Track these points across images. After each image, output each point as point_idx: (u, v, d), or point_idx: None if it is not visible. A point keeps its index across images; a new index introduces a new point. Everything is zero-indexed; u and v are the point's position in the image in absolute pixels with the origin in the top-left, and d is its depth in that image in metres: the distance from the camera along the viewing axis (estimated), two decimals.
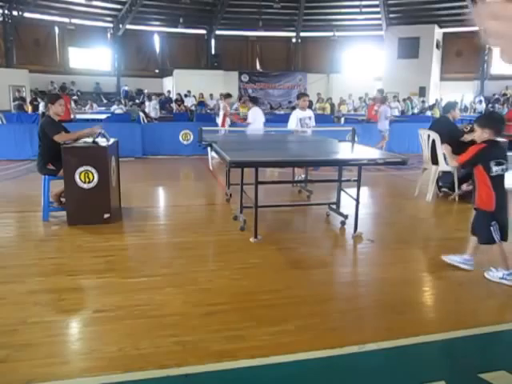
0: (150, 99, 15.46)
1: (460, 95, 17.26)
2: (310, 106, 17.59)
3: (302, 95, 6.87)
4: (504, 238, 3.13)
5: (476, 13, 0.70)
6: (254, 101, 8.55)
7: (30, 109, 14.09)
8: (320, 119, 13.79)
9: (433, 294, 3.14)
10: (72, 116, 10.79)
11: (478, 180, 3.10)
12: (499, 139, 3.14)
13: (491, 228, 3.04)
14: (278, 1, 20.17)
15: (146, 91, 19.14)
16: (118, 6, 21.02)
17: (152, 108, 14.43)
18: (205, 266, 3.49)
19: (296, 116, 6.52)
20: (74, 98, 17.69)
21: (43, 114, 4.73)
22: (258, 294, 2.92)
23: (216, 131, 7.23)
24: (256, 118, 7.86)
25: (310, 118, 6.54)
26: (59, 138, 4.40)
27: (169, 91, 18.95)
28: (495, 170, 2.99)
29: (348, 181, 4.66)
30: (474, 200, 3.18)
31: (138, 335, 2.39)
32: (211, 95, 19.08)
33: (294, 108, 18.17)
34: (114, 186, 4.69)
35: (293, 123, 6.49)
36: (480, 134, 3.07)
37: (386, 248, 3.94)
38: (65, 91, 15.77)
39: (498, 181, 3.02)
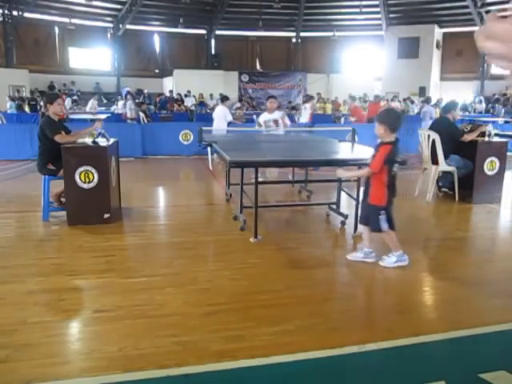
0: (126, 98, 14.96)
1: (460, 96, 17.27)
2: None
3: (268, 98, 7.22)
4: (393, 227, 3.30)
5: (478, 35, 0.70)
6: (223, 99, 8.91)
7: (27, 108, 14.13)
8: (320, 119, 13.83)
9: (433, 293, 3.14)
10: (65, 116, 10.75)
11: (374, 179, 3.22)
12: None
13: (380, 217, 3.21)
14: (278, 1, 20.16)
15: (145, 91, 19.13)
16: (118, 6, 21.01)
17: (128, 108, 13.87)
18: (205, 266, 3.49)
19: (262, 118, 6.81)
20: (74, 97, 17.68)
21: (43, 114, 4.73)
22: (258, 294, 2.92)
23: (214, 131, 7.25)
24: (215, 117, 8.13)
25: (275, 120, 6.69)
26: (60, 138, 4.40)
27: (171, 91, 18.94)
28: (394, 169, 3.13)
29: (348, 181, 4.66)
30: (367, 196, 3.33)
31: (138, 335, 2.39)
32: (211, 95, 19.07)
33: (293, 108, 18.27)
34: (114, 186, 4.69)
35: (261, 122, 6.81)
36: (382, 131, 3.18)
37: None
38: (53, 90, 15.72)
39: (393, 179, 3.16)
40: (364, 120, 11.58)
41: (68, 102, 15.13)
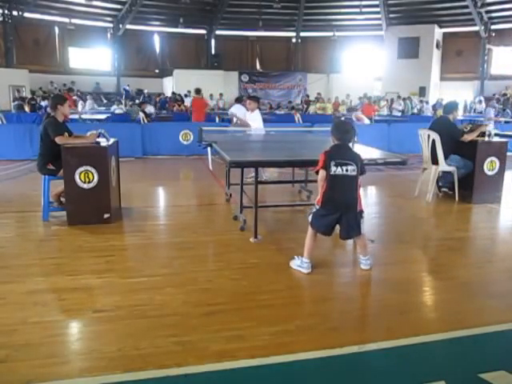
0: (84, 99, 14.48)
1: (460, 97, 17.30)
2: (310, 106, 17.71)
3: (248, 98, 7.52)
4: (318, 230, 3.28)
5: None
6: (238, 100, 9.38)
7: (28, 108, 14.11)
8: (320, 119, 13.83)
9: (433, 293, 3.14)
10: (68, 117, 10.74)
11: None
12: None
13: (313, 210, 3.30)
14: (278, 1, 20.16)
15: (146, 91, 19.12)
16: (118, 6, 21.03)
17: (88, 109, 13.46)
18: (205, 266, 3.49)
19: (242, 115, 7.11)
20: (74, 97, 17.67)
21: (48, 114, 4.71)
22: (258, 294, 2.91)
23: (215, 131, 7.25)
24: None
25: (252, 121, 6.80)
26: (60, 140, 4.39)
27: (173, 93, 18.95)
28: (334, 170, 3.15)
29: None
30: None
31: (137, 335, 2.39)
32: (211, 95, 19.07)
33: (293, 108, 18.26)
34: (114, 186, 4.69)
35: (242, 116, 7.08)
36: (331, 139, 3.36)
37: (386, 248, 3.94)
38: (72, 91, 15.60)
39: (336, 181, 3.17)
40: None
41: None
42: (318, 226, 3.27)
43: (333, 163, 3.15)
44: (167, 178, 7.38)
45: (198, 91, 12.16)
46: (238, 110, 8.03)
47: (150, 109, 13.66)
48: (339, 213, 3.19)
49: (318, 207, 3.27)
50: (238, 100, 9.41)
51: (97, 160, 4.34)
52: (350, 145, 3.32)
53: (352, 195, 3.23)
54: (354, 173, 3.17)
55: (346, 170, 3.15)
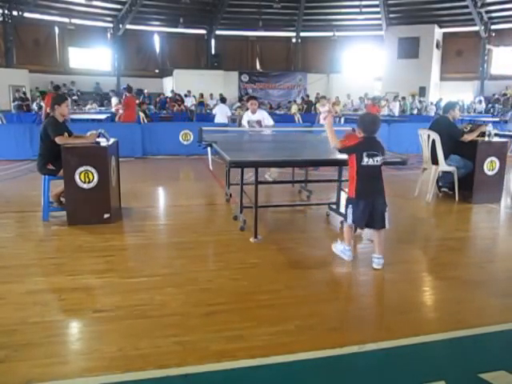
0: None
1: (459, 97, 17.31)
2: (310, 106, 17.87)
3: (248, 99, 7.25)
4: (361, 226, 3.54)
5: None
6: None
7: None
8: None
9: (433, 293, 3.14)
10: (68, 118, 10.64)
11: (350, 169, 3.45)
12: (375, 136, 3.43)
13: (347, 210, 3.40)
14: (278, 1, 20.17)
15: (146, 91, 19.12)
16: (118, 6, 21.03)
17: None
18: (205, 266, 3.49)
19: (245, 118, 6.89)
20: (74, 97, 17.67)
21: (47, 114, 4.72)
22: (258, 294, 2.91)
23: (215, 131, 7.24)
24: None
25: (258, 121, 6.72)
26: (60, 140, 4.40)
27: (172, 91, 18.95)
28: (366, 160, 3.28)
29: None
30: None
31: (138, 335, 2.39)
32: (211, 95, 19.08)
33: None
34: (114, 185, 4.69)
35: (244, 122, 6.86)
36: (358, 132, 3.45)
37: (385, 248, 3.93)
38: (58, 90, 15.57)
39: (366, 171, 3.30)
40: None
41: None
42: (357, 220, 3.36)
43: (365, 154, 3.28)
44: (167, 178, 7.37)
45: (130, 89, 11.51)
46: (221, 110, 7.99)
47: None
48: (371, 201, 3.31)
49: (350, 204, 3.36)
50: (223, 100, 9.29)
51: (97, 160, 4.34)
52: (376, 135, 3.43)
53: (380, 183, 3.38)
54: (379, 163, 3.34)
55: (376, 161, 3.30)
